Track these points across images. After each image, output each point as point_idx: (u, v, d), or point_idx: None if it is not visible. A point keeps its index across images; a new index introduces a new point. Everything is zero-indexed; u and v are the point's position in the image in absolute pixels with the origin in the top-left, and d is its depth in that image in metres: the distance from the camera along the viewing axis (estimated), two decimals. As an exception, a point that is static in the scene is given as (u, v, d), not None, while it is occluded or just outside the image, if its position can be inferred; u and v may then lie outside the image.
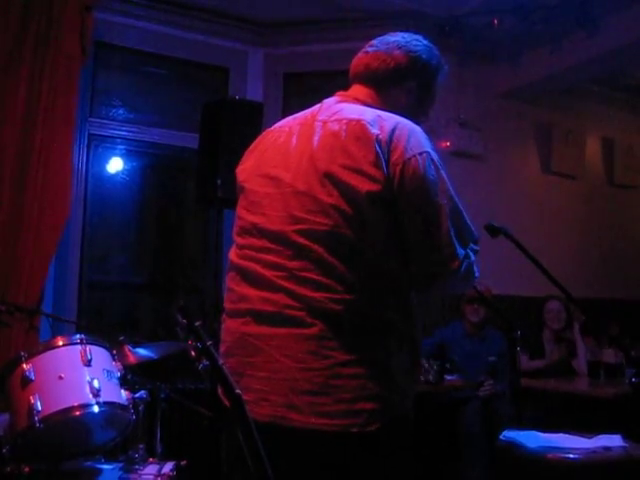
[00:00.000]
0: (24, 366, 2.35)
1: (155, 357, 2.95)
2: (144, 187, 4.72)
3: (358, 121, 1.66)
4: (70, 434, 2.44)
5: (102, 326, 4.05)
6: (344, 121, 1.68)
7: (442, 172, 1.64)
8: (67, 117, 3.80)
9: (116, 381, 2.50)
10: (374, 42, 1.89)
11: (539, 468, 2.22)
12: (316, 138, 1.70)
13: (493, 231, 2.93)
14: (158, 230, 4.77)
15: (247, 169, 1.84)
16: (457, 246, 1.62)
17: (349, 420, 1.53)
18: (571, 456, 2.17)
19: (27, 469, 2.42)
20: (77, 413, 2.30)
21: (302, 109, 1.88)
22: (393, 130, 1.63)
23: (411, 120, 1.71)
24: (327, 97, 1.86)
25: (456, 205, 1.65)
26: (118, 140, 4.51)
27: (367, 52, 1.88)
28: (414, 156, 1.60)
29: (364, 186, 1.59)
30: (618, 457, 2.18)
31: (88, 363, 2.40)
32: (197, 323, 1.48)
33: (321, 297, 1.57)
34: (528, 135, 5.59)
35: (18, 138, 3.65)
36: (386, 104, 1.80)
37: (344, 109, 1.74)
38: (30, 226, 3.58)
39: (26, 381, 2.32)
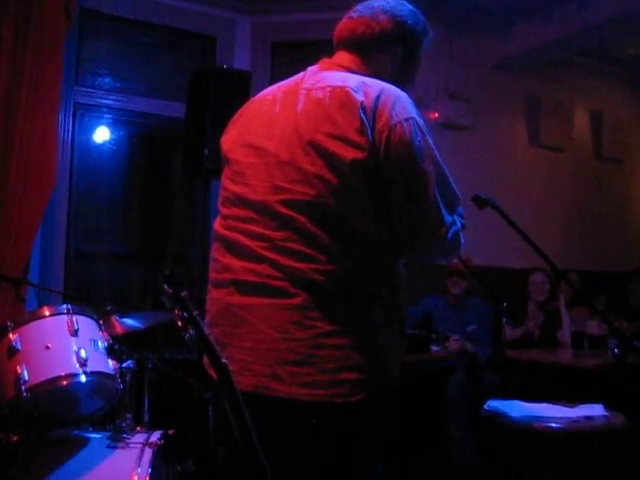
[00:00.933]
0: (10, 336, 2.33)
1: (142, 327, 2.95)
2: (131, 156, 4.67)
3: (342, 88, 1.64)
4: (57, 403, 2.45)
5: (89, 296, 4.04)
6: (328, 88, 1.66)
7: (428, 138, 1.63)
8: (52, 85, 3.74)
9: (103, 351, 2.49)
10: (358, 7, 1.85)
11: (522, 437, 2.26)
12: (300, 106, 1.68)
13: (480, 202, 2.94)
14: (145, 200, 4.73)
15: (231, 139, 1.82)
16: (444, 212, 1.61)
17: (332, 390, 1.54)
18: (553, 425, 2.21)
19: (15, 438, 2.44)
20: (64, 383, 2.30)
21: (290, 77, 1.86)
22: (378, 96, 1.61)
23: (397, 87, 1.69)
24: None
25: (443, 171, 1.64)
26: (104, 109, 4.46)
27: (351, 17, 1.84)
28: (400, 122, 1.59)
29: (349, 154, 1.57)
30: (599, 426, 2.21)
31: (75, 333, 2.40)
32: (183, 293, 1.49)
33: (304, 267, 1.57)
34: (517, 107, 5.58)
35: (1, 107, 3.60)
36: (371, 70, 1.78)
37: (328, 76, 1.72)
38: (15, 196, 3.54)
39: (13, 351, 2.31)
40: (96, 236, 4.52)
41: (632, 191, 6.30)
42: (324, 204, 1.58)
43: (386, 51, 1.81)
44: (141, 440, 2.51)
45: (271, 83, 1.90)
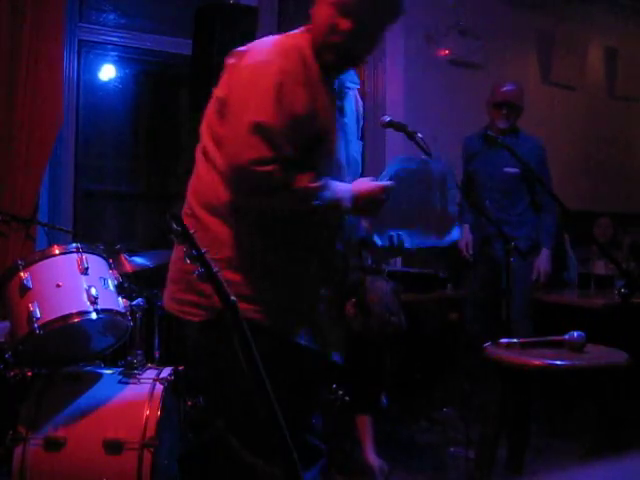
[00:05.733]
0: (22, 274, 2.36)
1: (151, 265, 2.98)
2: (137, 95, 4.62)
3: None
4: (69, 340, 2.50)
5: (98, 235, 4.06)
6: None
7: (262, 80, 1.70)
8: (55, 23, 3.67)
9: (113, 289, 2.52)
10: None
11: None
12: None
13: (491, 140, 2.92)
14: (152, 138, 4.70)
15: None
16: (267, 146, 1.65)
17: (181, 307, 1.87)
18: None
19: (29, 373, 2.50)
20: (75, 320, 2.34)
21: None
22: (246, 49, 1.79)
23: (322, 40, 1.77)
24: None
25: (276, 107, 1.68)
26: (109, 47, 4.38)
27: None
28: (245, 64, 1.75)
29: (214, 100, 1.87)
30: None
31: (85, 271, 2.42)
32: (192, 230, 1.50)
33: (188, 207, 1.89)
34: (529, 44, 5.46)
35: (5, 48, 3.55)
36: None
37: None
38: (21, 136, 3.52)
39: (24, 289, 2.34)
40: (103, 175, 4.52)
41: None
42: (205, 151, 1.85)
43: None
44: (152, 376, 2.58)
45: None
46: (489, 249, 3.98)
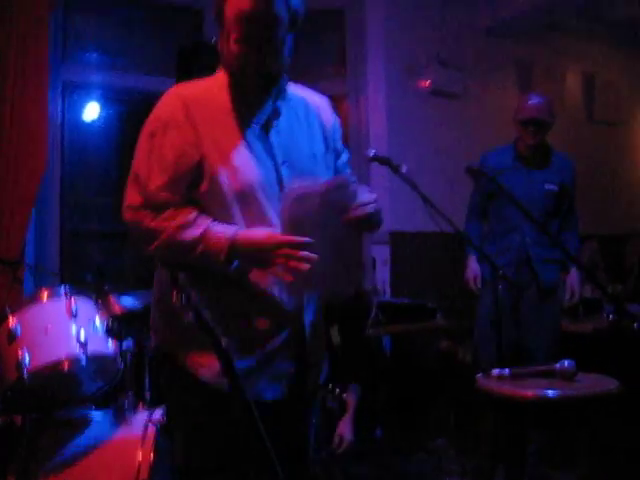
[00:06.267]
0: (10, 321, 2.36)
1: (140, 307, 2.96)
2: (122, 133, 4.63)
3: None
4: (59, 385, 2.48)
5: (85, 275, 4.04)
6: None
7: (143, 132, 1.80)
8: (39, 67, 3.70)
9: (102, 332, 2.51)
10: None
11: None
12: None
13: (473, 173, 2.95)
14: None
15: None
16: (137, 193, 1.75)
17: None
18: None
19: (19, 420, 2.47)
20: (65, 365, 2.33)
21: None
22: None
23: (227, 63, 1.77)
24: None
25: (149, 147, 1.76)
26: (93, 86, 4.41)
27: None
28: None
29: None
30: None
31: (74, 315, 2.41)
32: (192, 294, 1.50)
33: None
34: (508, 73, 5.54)
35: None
36: None
37: None
38: (8, 178, 3.54)
39: (12, 336, 2.33)
40: (89, 214, 4.51)
41: (624, 153, 6.29)
42: None
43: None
44: (144, 418, 2.55)
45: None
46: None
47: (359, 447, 3.18)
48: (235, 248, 1.66)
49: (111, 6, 4.45)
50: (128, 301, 3.01)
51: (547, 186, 3.68)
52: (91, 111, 4.47)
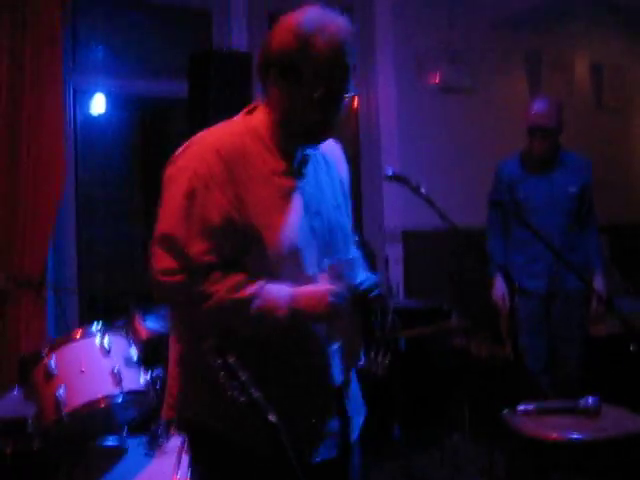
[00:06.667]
0: (46, 360, 2.40)
1: (165, 331, 3.01)
2: (135, 142, 4.62)
3: None
4: (95, 420, 2.54)
5: (109, 293, 4.09)
6: None
7: (174, 188, 1.66)
8: (53, 72, 3.68)
9: (135, 366, 2.57)
10: None
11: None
12: None
13: (498, 204, 2.91)
14: (152, 186, 4.70)
15: None
16: (171, 257, 1.61)
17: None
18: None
19: (55, 452, 2.54)
20: (102, 405, 2.38)
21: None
22: (176, 154, 1.72)
23: (289, 126, 1.70)
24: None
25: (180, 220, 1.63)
26: (104, 92, 4.39)
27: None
28: (167, 174, 1.70)
29: None
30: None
31: (107, 353, 2.47)
32: (231, 359, 1.52)
33: None
34: (517, 64, 5.51)
35: (5, 105, 3.55)
36: (268, 105, 1.74)
37: None
38: (27, 197, 3.54)
39: (49, 375, 2.39)
40: (106, 223, 4.53)
41: (632, 139, 6.29)
42: None
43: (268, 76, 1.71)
44: (177, 444, 2.62)
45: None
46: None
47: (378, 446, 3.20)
48: (296, 299, 1.64)
49: (120, 12, 4.41)
50: (153, 322, 3.07)
51: (569, 189, 3.68)
52: (103, 118, 4.46)
